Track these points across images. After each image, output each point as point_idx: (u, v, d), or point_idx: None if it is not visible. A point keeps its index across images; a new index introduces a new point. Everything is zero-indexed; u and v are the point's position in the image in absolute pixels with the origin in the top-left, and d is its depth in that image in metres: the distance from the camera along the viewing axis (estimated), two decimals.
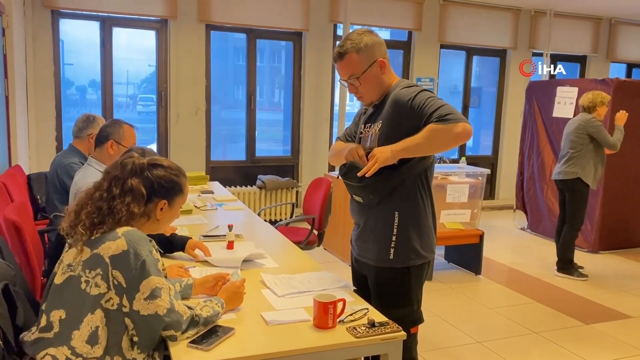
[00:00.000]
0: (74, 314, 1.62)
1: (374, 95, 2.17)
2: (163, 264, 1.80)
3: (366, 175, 2.04)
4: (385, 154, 2.01)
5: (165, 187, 1.78)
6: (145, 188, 1.74)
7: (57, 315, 1.63)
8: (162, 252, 2.55)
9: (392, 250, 2.12)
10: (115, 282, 1.62)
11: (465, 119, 1.97)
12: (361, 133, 2.27)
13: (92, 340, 1.60)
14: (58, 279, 1.67)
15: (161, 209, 1.79)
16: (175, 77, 6.10)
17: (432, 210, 2.21)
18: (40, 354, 1.62)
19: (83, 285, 1.62)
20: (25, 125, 5.39)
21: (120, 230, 1.66)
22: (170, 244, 2.56)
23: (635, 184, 5.83)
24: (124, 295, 1.62)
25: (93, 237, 1.66)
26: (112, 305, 1.62)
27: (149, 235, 1.77)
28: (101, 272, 1.61)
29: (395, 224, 2.11)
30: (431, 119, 1.96)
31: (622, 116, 4.84)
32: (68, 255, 1.69)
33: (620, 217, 5.80)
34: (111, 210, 1.69)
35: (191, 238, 2.60)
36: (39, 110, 5.61)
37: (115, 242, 1.63)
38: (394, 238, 2.12)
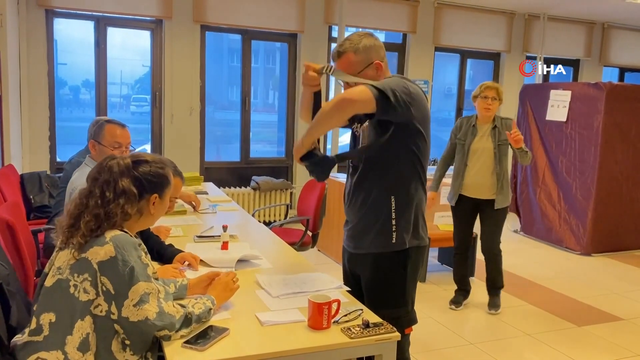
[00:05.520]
0: (64, 317, 1.61)
1: None
2: (153, 268, 1.78)
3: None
4: (298, 145, 2.05)
5: (154, 182, 1.78)
6: (136, 187, 1.73)
7: (47, 318, 1.62)
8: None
9: (394, 234, 2.13)
10: (104, 289, 1.61)
11: (370, 89, 1.94)
12: (356, 131, 2.29)
13: (84, 347, 1.59)
14: (48, 282, 1.65)
15: (153, 203, 1.79)
16: (169, 78, 6.09)
17: (425, 196, 2.23)
18: (31, 357, 1.60)
19: (72, 290, 1.61)
20: (19, 125, 5.36)
21: (109, 235, 1.65)
22: (161, 257, 2.49)
23: (627, 187, 5.87)
24: (113, 302, 1.61)
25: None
26: (101, 311, 1.61)
27: (143, 233, 1.76)
28: (90, 278, 1.60)
29: (393, 208, 2.13)
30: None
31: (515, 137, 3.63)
32: (59, 258, 1.68)
33: (613, 220, 5.83)
34: (108, 215, 1.68)
35: (182, 251, 2.51)
36: (32, 110, 5.58)
37: (104, 248, 1.62)
38: (394, 222, 2.13)
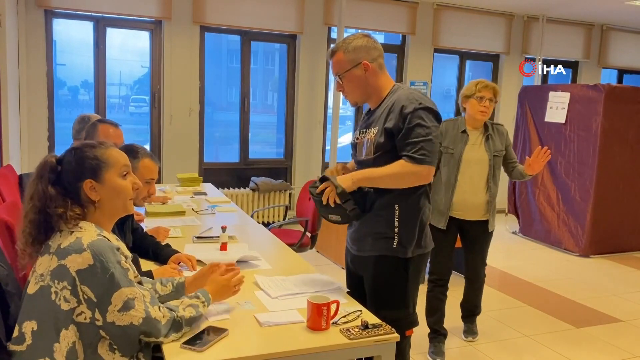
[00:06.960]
0: (47, 325, 1.57)
1: (357, 95, 2.23)
2: (135, 272, 1.72)
3: (329, 203, 2.10)
4: (346, 183, 2.09)
5: (81, 169, 1.67)
6: (62, 183, 1.67)
7: (29, 326, 1.58)
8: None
9: (394, 240, 2.15)
10: (86, 297, 1.57)
11: (434, 162, 2.07)
12: (357, 139, 2.29)
13: (71, 356, 1.57)
14: (31, 289, 1.62)
15: (94, 188, 1.68)
16: (168, 79, 6.09)
17: (429, 205, 2.25)
18: None
19: (53, 296, 1.57)
20: (17, 125, 5.36)
21: (86, 241, 1.59)
22: (157, 257, 2.51)
23: (625, 189, 5.87)
24: (96, 309, 1.58)
25: (62, 245, 1.61)
26: (85, 318, 1.58)
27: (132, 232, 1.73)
28: (69, 287, 1.56)
29: (396, 216, 2.14)
30: (406, 151, 2.05)
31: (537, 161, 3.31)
32: (40, 265, 1.64)
33: (611, 221, 5.84)
34: (45, 221, 1.64)
35: (178, 252, 2.52)
36: (31, 110, 5.58)
37: (81, 256, 1.57)
38: (396, 230, 2.14)
